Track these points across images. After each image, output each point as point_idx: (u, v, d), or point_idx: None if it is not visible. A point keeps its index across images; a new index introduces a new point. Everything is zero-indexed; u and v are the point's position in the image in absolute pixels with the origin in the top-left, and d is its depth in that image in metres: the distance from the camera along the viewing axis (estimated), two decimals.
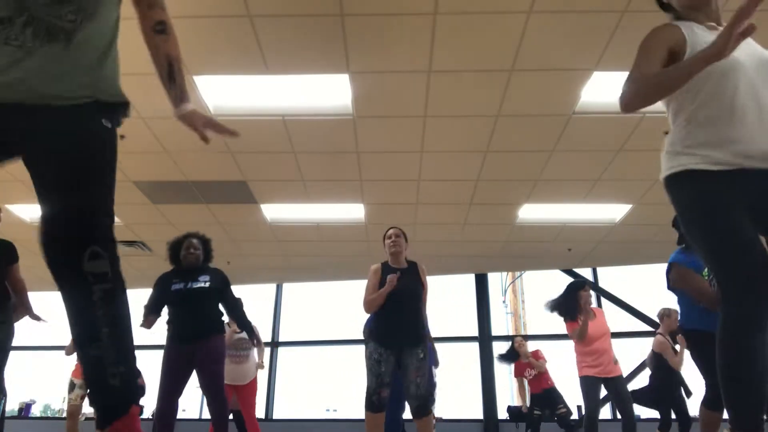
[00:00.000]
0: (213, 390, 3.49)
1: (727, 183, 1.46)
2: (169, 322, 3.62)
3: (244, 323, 3.85)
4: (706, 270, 3.01)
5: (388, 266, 3.54)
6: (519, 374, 5.91)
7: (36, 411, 8.99)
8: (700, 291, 2.97)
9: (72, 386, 5.18)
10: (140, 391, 1.19)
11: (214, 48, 3.77)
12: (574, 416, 5.87)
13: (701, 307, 3.01)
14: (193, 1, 3.36)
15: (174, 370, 3.48)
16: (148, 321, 3.56)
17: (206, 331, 3.53)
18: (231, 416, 4.77)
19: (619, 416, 4.57)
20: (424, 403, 3.26)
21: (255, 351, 5.00)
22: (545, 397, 5.67)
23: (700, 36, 1.55)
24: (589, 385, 4.50)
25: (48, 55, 1.15)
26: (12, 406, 8.88)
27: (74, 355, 5.01)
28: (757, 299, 1.39)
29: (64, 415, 8.56)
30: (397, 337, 3.33)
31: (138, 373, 1.23)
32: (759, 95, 1.48)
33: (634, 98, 1.53)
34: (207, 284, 3.59)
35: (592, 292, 4.80)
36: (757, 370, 1.40)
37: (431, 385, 4.24)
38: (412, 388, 3.25)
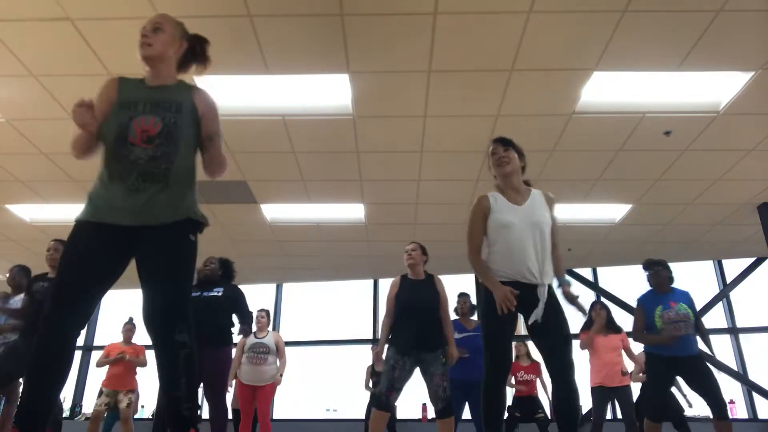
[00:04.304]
0: (215, 396, 3.65)
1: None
2: None
3: (242, 329, 4.02)
4: (658, 308, 3.86)
5: (406, 278, 3.78)
6: (512, 373, 6.10)
7: None
8: (635, 325, 3.98)
9: (100, 393, 5.62)
10: (199, 419, 1.73)
11: (214, 48, 3.74)
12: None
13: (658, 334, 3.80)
14: (193, 1, 3.36)
15: None
16: None
17: (212, 340, 3.66)
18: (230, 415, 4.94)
19: (619, 416, 4.96)
20: (448, 405, 3.50)
21: (273, 357, 5.10)
22: (528, 401, 5.92)
23: (503, 208, 2.50)
24: (598, 395, 4.96)
25: (152, 193, 1.73)
26: None
27: (104, 367, 5.74)
28: (496, 369, 2.39)
29: (65, 414, 8.57)
30: (414, 345, 3.52)
31: (199, 407, 1.74)
32: (526, 241, 2.40)
33: (470, 260, 2.54)
34: (220, 294, 3.86)
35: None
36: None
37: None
38: (439, 392, 3.48)
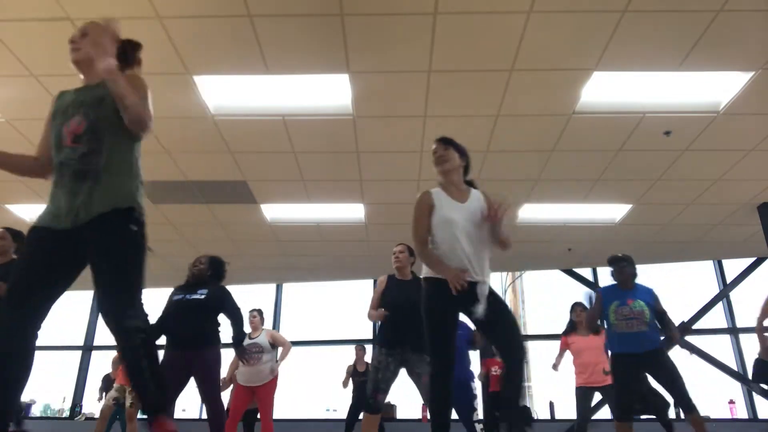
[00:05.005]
0: (209, 396, 3.67)
1: (444, 287, 2.38)
2: (166, 329, 3.82)
3: (236, 332, 3.97)
4: (614, 303, 3.92)
5: (393, 278, 3.80)
6: (486, 369, 6.12)
7: (36, 411, 8.98)
8: (589, 313, 4.17)
9: (110, 388, 5.73)
10: (166, 402, 1.76)
11: (214, 48, 3.77)
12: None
13: (618, 332, 3.85)
14: (193, 1, 3.36)
15: (168, 375, 3.63)
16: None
17: (199, 341, 3.69)
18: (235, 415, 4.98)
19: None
20: None
21: (269, 355, 5.08)
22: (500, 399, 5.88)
23: (446, 204, 2.60)
24: (580, 394, 5.00)
25: (87, 191, 1.78)
26: None
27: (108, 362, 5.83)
28: (440, 362, 2.50)
29: (65, 414, 8.59)
30: (399, 344, 3.54)
31: (164, 391, 1.78)
32: (465, 237, 2.50)
33: (417, 253, 2.67)
34: (203, 296, 3.80)
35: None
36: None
37: (471, 396, 4.65)
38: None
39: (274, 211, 6.48)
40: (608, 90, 4.23)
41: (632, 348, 3.77)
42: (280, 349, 5.21)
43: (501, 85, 4.15)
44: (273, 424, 4.89)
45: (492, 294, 2.50)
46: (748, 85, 4.08)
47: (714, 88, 4.24)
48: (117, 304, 1.74)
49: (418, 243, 2.62)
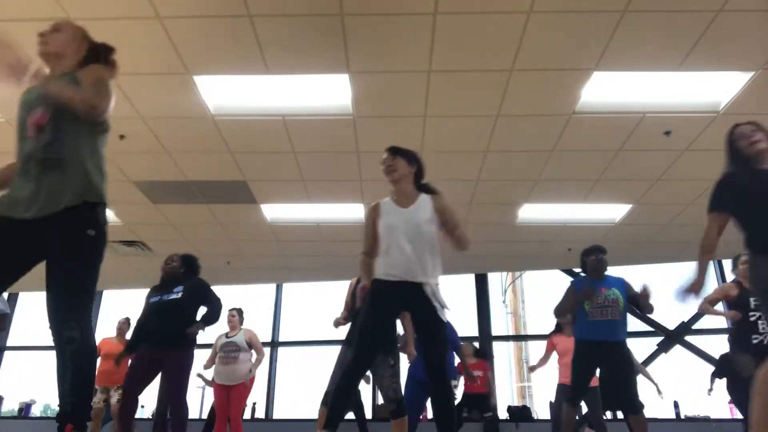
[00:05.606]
0: (175, 396, 3.67)
1: (391, 287, 2.58)
2: (145, 333, 3.83)
3: (208, 316, 3.91)
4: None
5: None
6: (460, 370, 6.13)
7: (36, 411, 8.98)
8: (562, 301, 4.08)
9: (95, 392, 5.69)
10: (80, 418, 1.72)
11: (214, 48, 3.77)
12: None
13: (591, 320, 3.87)
14: (193, 1, 3.36)
15: (137, 371, 3.67)
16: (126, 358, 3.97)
17: (174, 340, 3.70)
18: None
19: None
20: (400, 406, 3.49)
21: (246, 355, 5.11)
22: (476, 399, 5.93)
23: (389, 211, 2.75)
24: (561, 392, 5.03)
25: (48, 181, 1.76)
26: (12, 406, 8.88)
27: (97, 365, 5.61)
28: (362, 354, 2.55)
29: None
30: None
31: (85, 408, 1.76)
32: (407, 240, 2.61)
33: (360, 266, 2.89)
34: (179, 295, 3.80)
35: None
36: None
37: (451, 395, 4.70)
38: (390, 394, 3.48)
39: (274, 211, 6.48)
40: (608, 90, 4.23)
41: (600, 336, 3.79)
42: (246, 354, 5.19)
43: (501, 85, 4.15)
44: (242, 424, 4.94)
45: (434, 306, 2.53)
46: (748, 85, 4.08)
47: (714, 88, 4.24)
48: (62, 310, 1.71)
49: (363, 251, 2.83)
